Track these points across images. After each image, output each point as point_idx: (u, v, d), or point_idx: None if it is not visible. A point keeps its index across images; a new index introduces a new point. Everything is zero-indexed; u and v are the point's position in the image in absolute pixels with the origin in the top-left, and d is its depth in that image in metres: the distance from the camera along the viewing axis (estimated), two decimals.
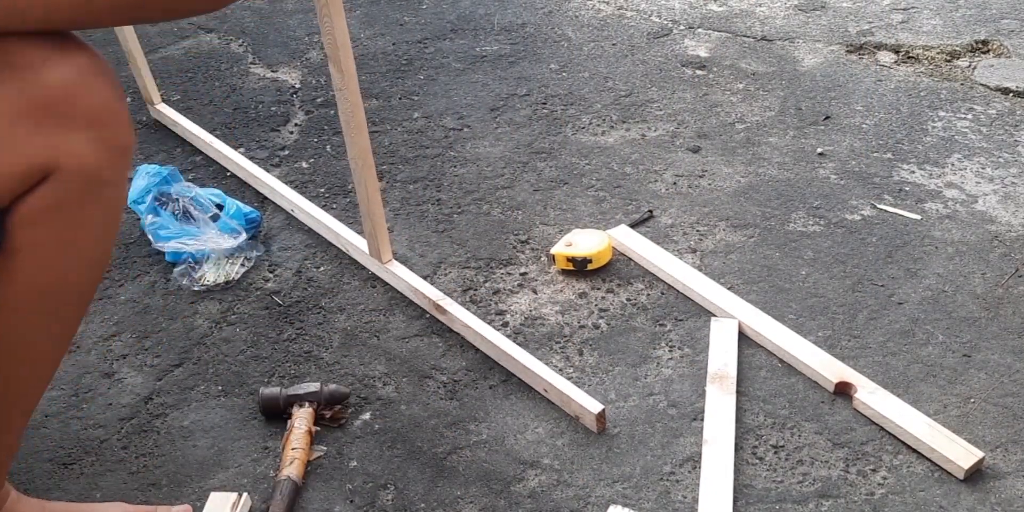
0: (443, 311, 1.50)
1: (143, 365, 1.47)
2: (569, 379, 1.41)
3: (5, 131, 0.80)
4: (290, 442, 1.30)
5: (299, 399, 1.35)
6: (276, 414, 1.36)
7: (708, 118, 1.99)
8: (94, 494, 1.29)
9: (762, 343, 1.47)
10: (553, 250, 1.62)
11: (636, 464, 1.31)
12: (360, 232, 1.62)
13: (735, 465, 1.30)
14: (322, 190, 1.81)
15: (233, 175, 1.84)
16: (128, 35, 1.77)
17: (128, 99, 1.84)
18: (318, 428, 1.35)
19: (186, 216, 1.64)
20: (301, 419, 1.33)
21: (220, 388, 1.43)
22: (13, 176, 0.83)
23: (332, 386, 1.37)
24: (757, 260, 1.64)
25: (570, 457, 1.32)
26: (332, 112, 2.02)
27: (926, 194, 1.78)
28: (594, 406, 1.34)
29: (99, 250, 0.95)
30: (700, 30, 2.28)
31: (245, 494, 1.26)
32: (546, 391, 1.39)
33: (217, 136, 1.93)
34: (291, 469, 1.26)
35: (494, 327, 1.48)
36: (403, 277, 1.55)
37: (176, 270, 1.60)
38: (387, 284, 1.60)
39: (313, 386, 1.36)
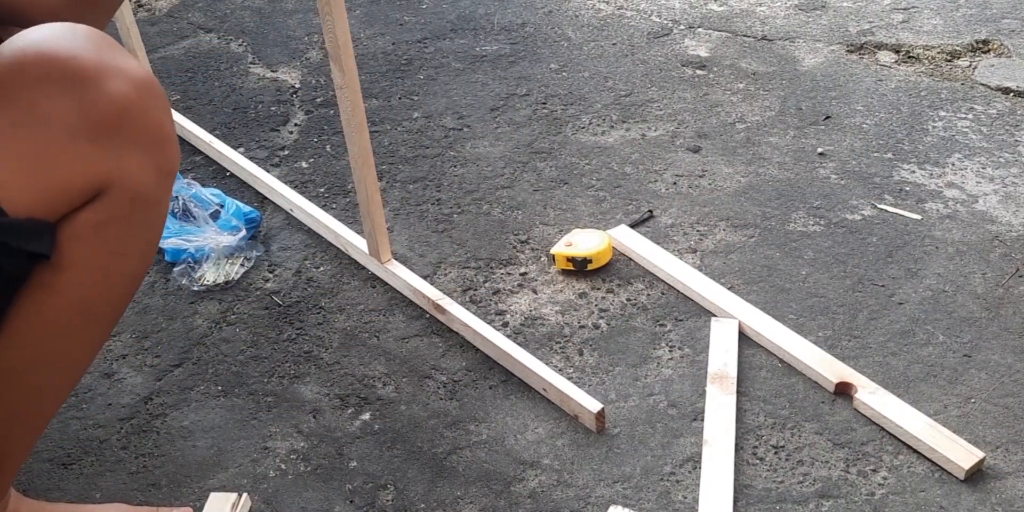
0: (443, 311, 1.50)
1: (143, 365, 1.47)
2: (569, 379, 1.41)
3: (66, 145, 0.81)
4: None
5: None
6: None
7: (708, 118, 1.99)
8: (94, 494, 1.28)
9: (762, 343, 1.47)
10: (553, 250, 1.62)
11: (636, 464, 1.31)
12: (360, 232, 1.62)
13: (735, 465, 1.30)
14: (322, 190, 1.81)
15: (233, 175, 1.84)
16: (132, 32, 1.77)
17: None
18: None
19: (186, 214, 1.64)
20: None
21: (220, 388, 1.43)
22: (70, 190, 0.83)
23: None
24: (757, 260, 1.64)
25: (570, 457, 1.32)
26: (332, 112, 2.02)
27: (926, 194, 1.78)
28: (593, 405, 1.34)
29: (141, 266, 0.96)
30: (700, 30, 2.28)
31: (245, 494, 1.25)
32: (545, 390, 1.39)
33: (217, 136, 1.93)
34: None
35: (494, 327, 1.48)
36: (402, 277, 1.55)
37: (176, 270, 1.60)
38: (387, 284, 1.60)
39: None
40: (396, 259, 1.59)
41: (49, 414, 1.04)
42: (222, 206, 1.67)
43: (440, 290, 1.54)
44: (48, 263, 0.88)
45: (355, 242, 1.62)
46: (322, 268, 1.64)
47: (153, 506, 1.24)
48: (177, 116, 1.95)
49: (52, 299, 0.90)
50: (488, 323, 1.48)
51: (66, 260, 0.88)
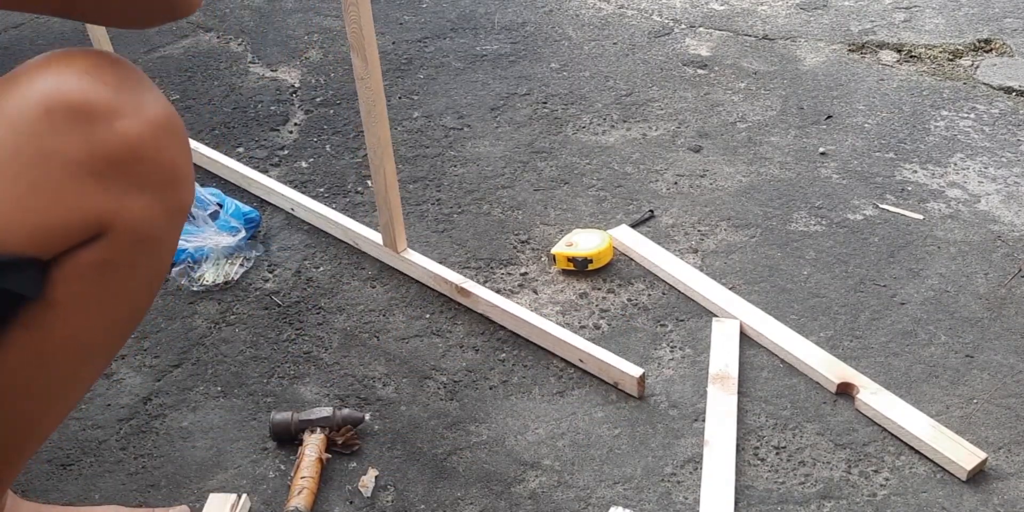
0: (467, 294, 1.50)
1: (142, 365, 1.46)
2: (570, 379, 1.41)
3: (66, 183, 0.77)
4: (300, 470, 1.26)
5: (311, 425, 1.31)
6: (288, 439, 1.32)
7: (709, 117, 1.98)
8: (92, 495, 1.28)
9: (764, 343, 1.47)
10: (554, 250, 1.61)
11: (637, 465, 1.31)
12: (369, 225, 1.62)
13: (736, 466, 1.29)
14: (321, 189, 1.81)
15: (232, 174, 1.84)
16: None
17: None
18: (330, 455, 1.30)
19: None
20: (312, 446, 1.28)
21: (219, 389, 1.43)
22: (67, 229, 0.79)
23: (346, 411, 1.32)
24: (759, 260, 1.63)
25: (571, 458, 1.32)
26: (332, 111, 2.02)
27: (928, 194, 1.77)
28: (635, 370, 1.36)
29: (142, 303, 0.91)
30: (701, 29, 2.27)
31: (244, 495, 1.25)
32: (582, 361, 1.40)
33: (215, 136, 1.92)
34: (299, 499, 1.22)
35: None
36: (421, 264, 1.55)
37: (175, 270, 1.60)
38: (387, 284, 1.59)
39: (326, 411, 1.31)
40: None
41: (45, 434, 1.00)
42: (221, 206, 1.66)
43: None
44: (37, 301, 0.83)
45: (367, 235, 1.61)
46: (322, 268, 1.63)
47: (150, 507, 1.24)
48: None
49: (40, 335, 0.86)
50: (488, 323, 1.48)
51: (58, 298, 0.83)
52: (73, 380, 0.94)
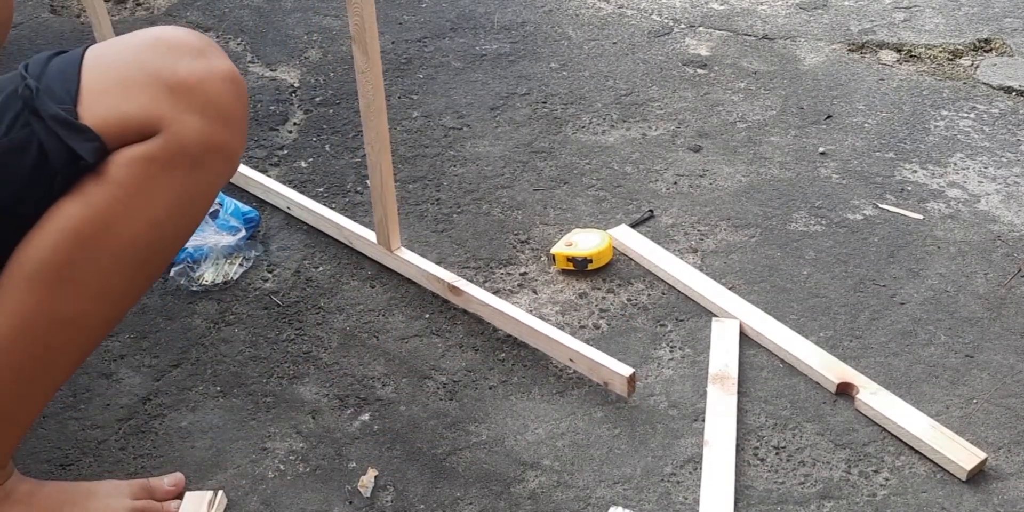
0: (459, 292, 1.50)
1: (141, 365, 1.46)
2: (569, 379, 1.41)
3: (146, 87, 0.97)
4: None
5: None
6: None
7: (709, 117, 1.98)
8: None
9: (763, 343, 1.47)
10: (553, 250, 1.61)
11: (637, 465, 1.31)
12: (364, 225, 1.62)
13: (736, 466, 1.29)
14: (321, 189, 1.81)
15: None
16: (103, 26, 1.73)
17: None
18: None
19: None
20: None
21: (218, 389, 1.42)
22: (131, 120, 0.97)
23: None
24: (758, 260, 1.63)
25: (570, 458, 1.32)
26: (331, 111, 2.02)
27: (928, 194, 1.77)
28: (624, 370, 1.34)
29: (169, 222, 1.04)
30: (701, 29, 2.27)
31: (220, 492, 1.25)
32: (572, 361, 1.39)
33: None
34: None
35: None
36: (414, 263, 1.54)
37: (174, 270, 1.59)
38: (387, 284, 1.59)
39: None
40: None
41: (57, 382, 1.10)
42: (220, 205, 1.66)
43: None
44: (91, 174, 0.98)
45: (361, 233, 1.61)
46: (321, 268, 1.63)
47: (145, 479, 1.25)
48: None
49: (89, 213, 0.99)
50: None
51: (109, 177, 0.98)
52: (102, 282, 1.04)
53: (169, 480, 1.25)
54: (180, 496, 1.25)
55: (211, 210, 1.65)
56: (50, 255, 1.00)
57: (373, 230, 1.58)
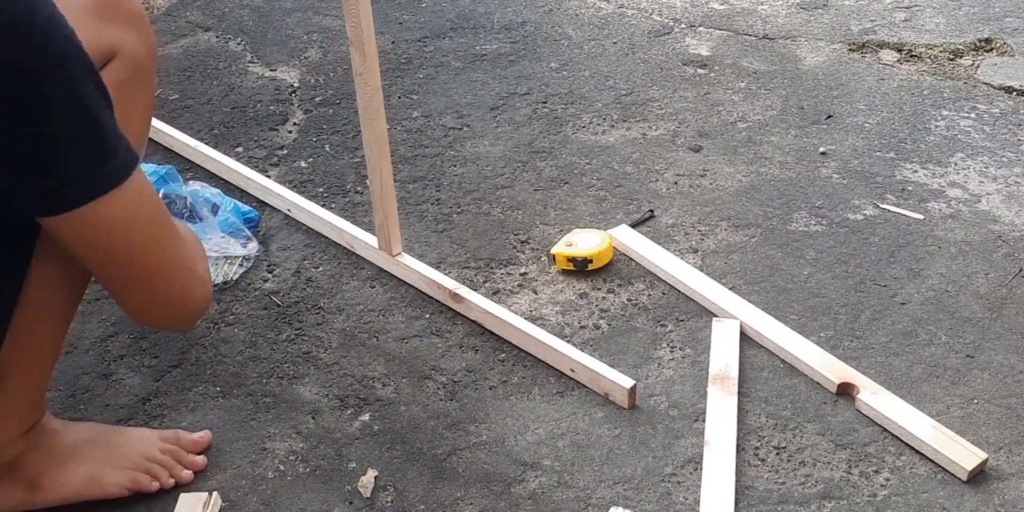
0: (460, 299, 1.49)
1: (141, 366, 1.46)
2: (570, 379, 1.40)
3: (87, 22, 1.07)
4: None
5: None
6: None
7: (709, 117, 1.98)
8: None
9: (764, 344, 1.47)
10: (553, 250, 1.61)
11: (637, 465, 1.30)
12: (365, 228, 1.62)
13: (737, 466, 1.29)
14: (320, 189, 1.80)
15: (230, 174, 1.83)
16: None
17: None
18: None
19: (191, 217, 1.63)
20: None
21: (218, 389, 1.42)
22: (95, 50, 1.04)
23: None
24: (759, 260, 1.63)
25: (571, 458, 1.32)
26: (331, 111, 2.02)
27: (929, 194, 1.77)
28: (625, 381, 1.34)
29: (144, 130, 1.20)
30: (701, 28, 2.27)
31: (215, 493, 1.25)
32: (572, 371, 1.39)
33: (215, 135, 1.92)
34: None
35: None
36: (415, 268, 1.54)
37: None
38: (387, 284, 1.59)
39: None
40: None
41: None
42: (220, 203, 1.66)
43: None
44: None
45: (361, 237, 1.61)
46: (321, 268, 1.63)
47: (174, 430, 1.32)
48: (162, 124, 1.92)
49: None
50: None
51: None
52: None
53: (198, 434, 1.32)
54: (205, 451, 1.32)
55: (211, 206, 1.64)
56: None
57: (374, 233, 1.58)
